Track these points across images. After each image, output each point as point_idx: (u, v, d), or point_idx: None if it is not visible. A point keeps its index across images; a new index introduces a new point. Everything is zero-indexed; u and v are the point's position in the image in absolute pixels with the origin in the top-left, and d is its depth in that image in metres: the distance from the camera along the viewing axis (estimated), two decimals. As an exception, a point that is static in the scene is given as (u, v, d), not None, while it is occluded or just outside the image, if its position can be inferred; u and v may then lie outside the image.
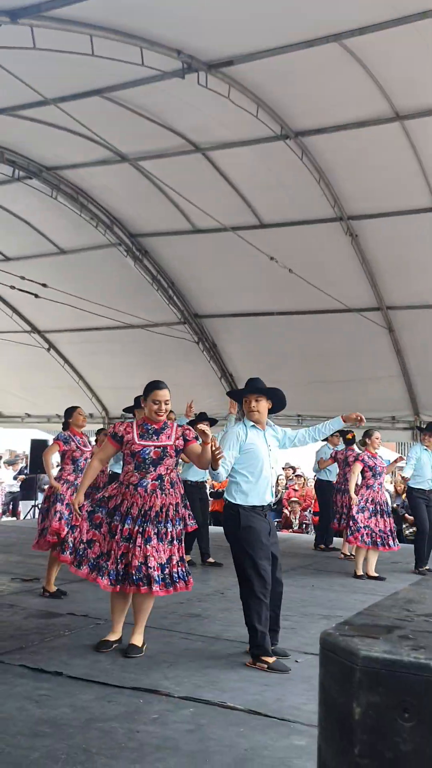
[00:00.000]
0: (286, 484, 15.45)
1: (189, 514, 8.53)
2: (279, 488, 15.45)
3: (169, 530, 4.83)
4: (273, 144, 9.83)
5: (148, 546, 4.72)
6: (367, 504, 8.43)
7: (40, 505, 14.95)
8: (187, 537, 9.03)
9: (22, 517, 16.16)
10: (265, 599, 4.83)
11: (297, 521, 14.19)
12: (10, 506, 17.26)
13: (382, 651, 1.04)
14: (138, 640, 4.91)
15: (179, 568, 4.85)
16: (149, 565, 4.68)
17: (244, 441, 5.03)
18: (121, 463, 4.93)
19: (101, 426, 15.77)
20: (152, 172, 10.74)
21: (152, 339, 13.57)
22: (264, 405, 5.15)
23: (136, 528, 4.75)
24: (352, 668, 1.03)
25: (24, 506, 16.53)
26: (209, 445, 4.64)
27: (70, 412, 7.11)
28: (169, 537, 4.83)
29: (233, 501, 5.04)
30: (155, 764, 3.20)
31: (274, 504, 15.14)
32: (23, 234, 13.18)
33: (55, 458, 7.44)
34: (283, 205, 11.07)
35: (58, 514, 6.63)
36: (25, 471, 16.92)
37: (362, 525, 8.31)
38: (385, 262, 11.24)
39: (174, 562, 4.83)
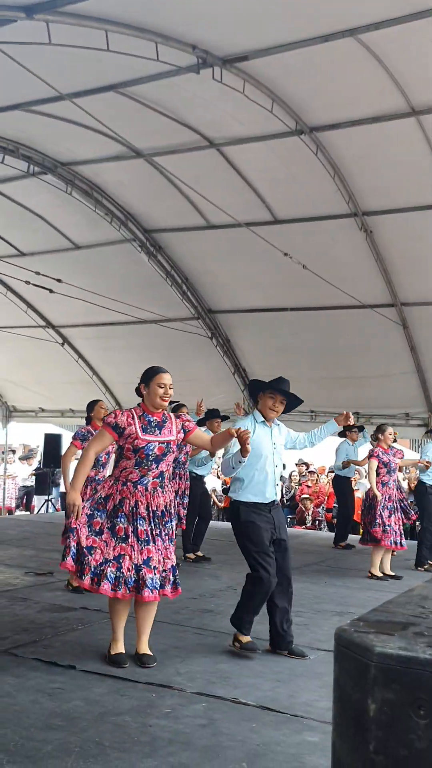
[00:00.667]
0: (299, 480, 15.45)
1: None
2: (292, 484, 15.46)
3: (173, 528, 4.66)
4: (287, 139, 9.79)
5: (162, 548, 4.51)
6: (386, 502, 8.31)
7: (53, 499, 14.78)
8: (197, 531, 9.07)
9: (36, 511, 16.23)
10: (267, 591, 4.92)
11: (310, 518, 14.18)
12: (24, 500, 17.35)
13: (397, 647, 1.04)
14: (147, 647, 4.64)
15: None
16: (165, 568, 4.52)
17: (251, 437, 4.99)
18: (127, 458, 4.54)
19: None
20: (166, 168, 10.74)
21: (166, 334, 13.58)
22: (281, 408, 5.16)
23: (150, 529, 4.48)
24: (367, 664, 1.03)
25: (38, 501, 16.62)
26: (233, 436, 4.54)
27: (92, 405, 7.00)
28: (172, 535, 4.65)
29: (235, 497, 5.09)
30: (167, 758, 3.21)
31: (287, 500, 15.08)
32: (38, 229, 13.21)
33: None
34: (297, 201, 11.04)
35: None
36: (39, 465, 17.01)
37: (387, 525, 8.20)
38: (399, 258, 11.19)
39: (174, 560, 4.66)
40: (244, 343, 13.83)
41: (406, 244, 10.92)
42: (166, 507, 4.59)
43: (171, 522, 4.63)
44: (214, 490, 14.74)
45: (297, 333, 12.78)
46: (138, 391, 4.68)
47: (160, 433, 4.53)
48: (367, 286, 11.49)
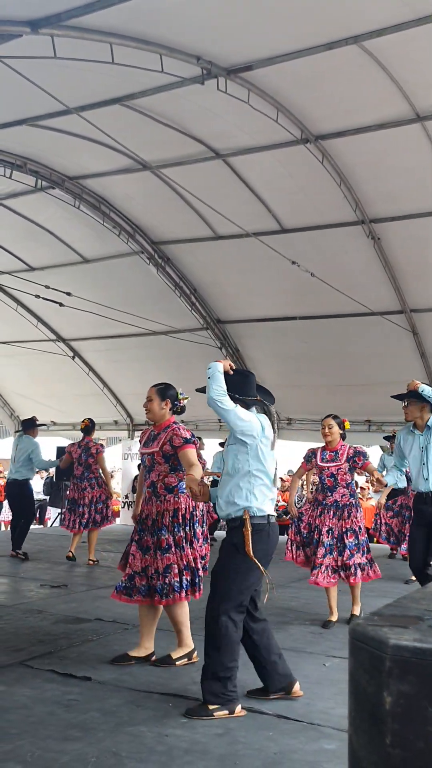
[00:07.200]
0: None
1: None
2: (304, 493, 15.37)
3: (163, 537, 4.66)
4: (293, 148, 9.82)
5: (146, 556, 4.72)
6: None
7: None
8: None
9: (49, 524, 16.22)
10: None
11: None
12: (38, 514, 17.35)
13: (412, 639, 1.03)
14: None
15: (181, 578, 4.67)
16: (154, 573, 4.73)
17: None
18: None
19: (125, 433, 15.86)
20: (173, 180, 10.78)
21: (176, 345, 13.61)
22: None
23: (141, 537, 4.79)
24: (382, 657, 1.02)
25: (52, 513, 16.63)
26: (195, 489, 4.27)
27: None
28: (165, 545, 4.65)
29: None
30: (184, 767, 3.19)
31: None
32: (47, 244, 13.29)
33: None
34: (305, 210, 11.05)
35: None
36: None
37: None
38: (407, 264, 11.18)
39: (175, 572, 4.64)
40: (254, 353, 13.83)
41: (414, 250, 10.91)
42: (157, 517, 4.73)
43: (163, 530, 4.69)
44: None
45: (306, 341, 12.77)
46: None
47: (152, 444, 4.83)
48: (376, 293, 11.48)
